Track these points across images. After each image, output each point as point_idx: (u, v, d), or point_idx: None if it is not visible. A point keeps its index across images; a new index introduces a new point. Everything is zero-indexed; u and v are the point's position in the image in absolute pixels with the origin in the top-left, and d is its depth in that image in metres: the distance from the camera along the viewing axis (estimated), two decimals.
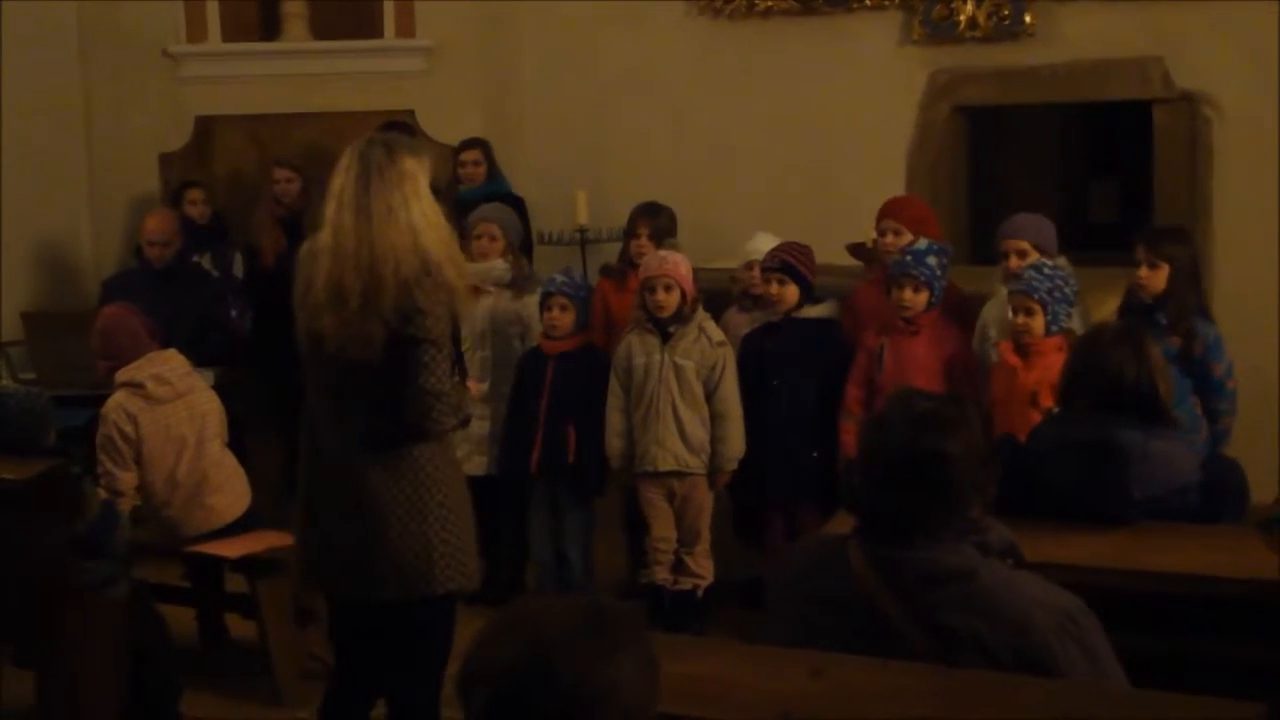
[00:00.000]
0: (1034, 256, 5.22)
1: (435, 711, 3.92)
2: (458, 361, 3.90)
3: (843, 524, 2.98)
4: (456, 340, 3.84)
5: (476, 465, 5.97)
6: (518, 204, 7.07)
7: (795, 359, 5.58)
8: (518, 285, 6.03)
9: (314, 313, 3.73)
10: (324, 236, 3.75)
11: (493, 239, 6.03)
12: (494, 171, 7.39)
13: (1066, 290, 4.94)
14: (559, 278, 5.75)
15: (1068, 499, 3.61)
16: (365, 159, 3.73)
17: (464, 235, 6.16)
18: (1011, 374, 4.89)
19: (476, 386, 4.08)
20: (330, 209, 3.75)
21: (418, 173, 3.76)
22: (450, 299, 3.73)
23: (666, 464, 5.51)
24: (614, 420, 5.63)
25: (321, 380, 3.83)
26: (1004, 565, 2.67)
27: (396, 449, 3.74)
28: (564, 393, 5.68)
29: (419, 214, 3.71)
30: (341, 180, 3.75)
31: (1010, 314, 5.00)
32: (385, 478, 3.74)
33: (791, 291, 5.55)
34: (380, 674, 3.97)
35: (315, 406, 3.88)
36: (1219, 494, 3.74)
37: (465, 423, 3.94)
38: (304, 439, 3.94)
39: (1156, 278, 5.10)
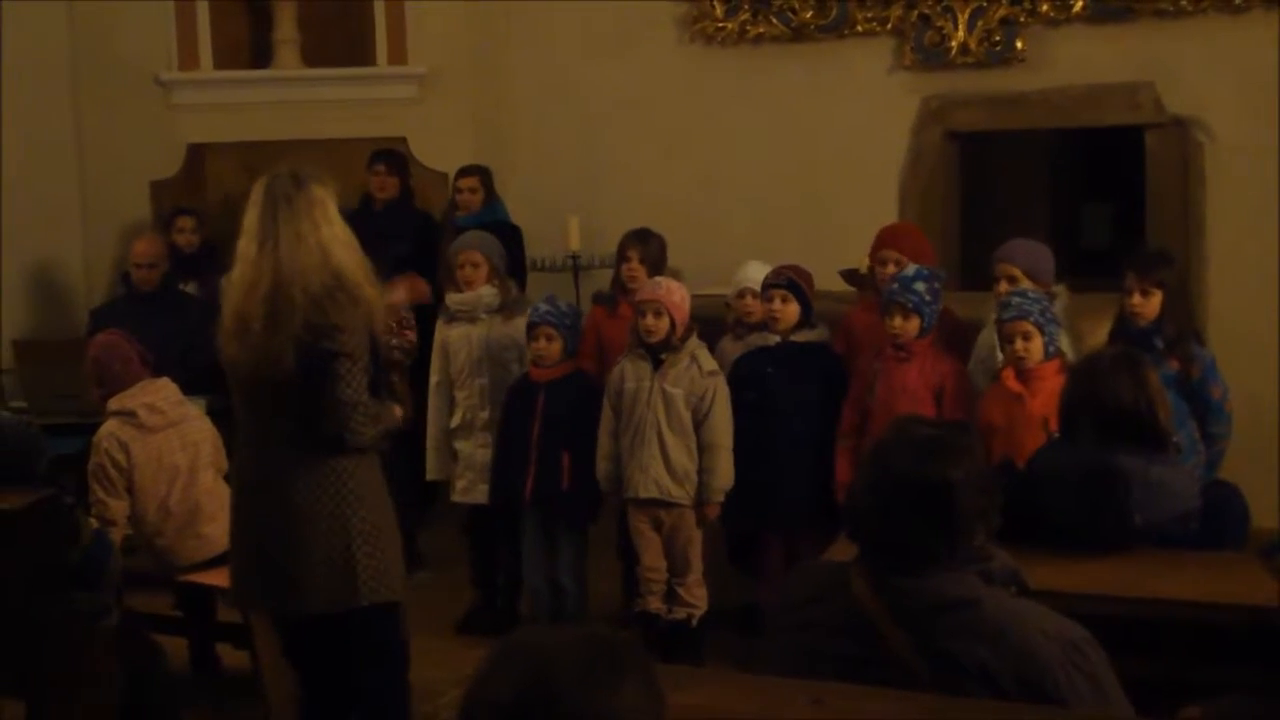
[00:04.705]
0: (1024, 283, 5.22)
1: (404, 715, 4.05)
2: (381, 379, 3.96)
3: (843, 550, 2.96)
4: (377, 357, 3.91)
5: (480, 494, 5.95)
6: (513, 231, 7.07)
7: (791, 384, 5.56)
8: (508, 309, 6.01)
9: (224, 341, 3.90)
10: (235, 270, 3.92)
11: (475, 266, 6.01)
12: (491, 199, 7.38)
13: (1053, 312, 4.95)
14: (542, 307, 5.73)
15: (1069, 526, 3.60)
16: (271, 191, 3.87)
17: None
18: (1016, 401, 4.86)
19: (402, 411, 4.21)
20: (241, 243, 3.90)
21: (326, 199, 3.90)
22: (367, 314, 3.85)
23: (648, 491, 5.47)
24: (604, 443, 5.61)
25: (243, 402, 3.97)
26: (1007, 594, 2.66)
27: (319, 464, 3.85)
28: (556, 420, 5.66)
29: (329, 236, 3.85)
30: (250, 214, 3.90)
31: (1005, 341, 4.96)
32: (308, 493, 3.86)
33: (793, 310, 5.55)
34: (347, 683, 4.07)
35: (241, 429, 4.02)
36: (1220, 520, 3.73)
37: (387, 436, 4.00)
38: (234, 461, 4.07)
39: (1150, 304, 5.10)
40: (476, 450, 5.96)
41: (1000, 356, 5.15)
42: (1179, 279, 5.27)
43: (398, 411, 4.11)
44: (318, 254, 3.79)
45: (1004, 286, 5.24)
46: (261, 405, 3.89)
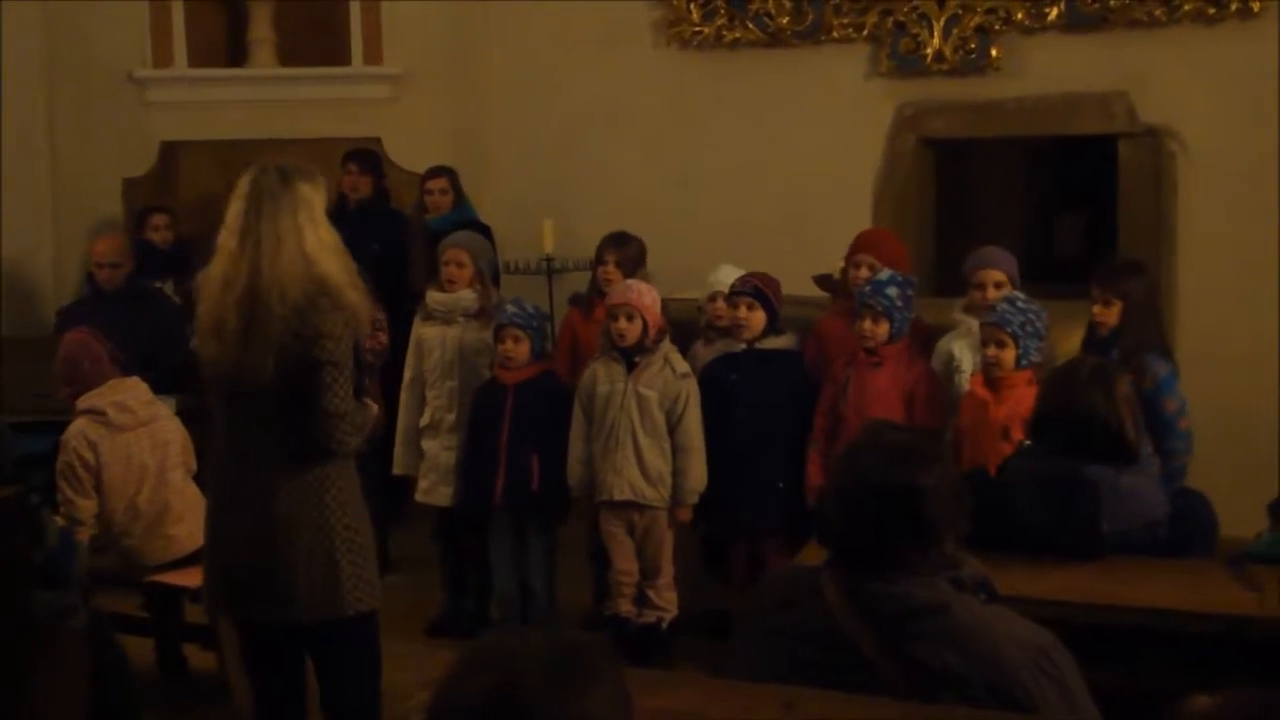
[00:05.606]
0: (1009, 288, 5.25)
1: None
2: (361, 384, 3.90)
3: (814, 555, 2.96)
4: (359, 361, 3.85)
5: (443, 496, 5.93)
6: (485, 232, 7.06)
7: (758, 390, 5.56)
8: (486, 314, 5.96)
9: (202, 340, 3.76)
10: (213, 264, 3.76)
11: (460, 265, 5.97)
12: (461, 200, 7.37)
13: (1038, 325, 4.96)
14: (510, 309, 5.71)
15: (1039, 534, 3.61)
16: (257, 184, 3.72)
17: (434, 263, 6.17)
18: (982, 407, 4.89)
19: (375, 407, 4.14)
20: (221, 236, 3.76)
21: (313, 198, 3.76)
22: (352, 320, 3.73)
23: (622, 493, 5.48)
24: (576, 447, 5.60)
25: (222, 405, 3.84)
26: (977, 600, 2.66)
27: (301, 472, 3.75)
28: (524, 422, 5.65)
29: (313, 240, 3.71)
30: (234, 207, 3.75)
31: (983, 344, 4.99)
32: (290, 501, 3.75)
33: (759, 318, 5.55)
34: (299, 699, 3.99)
35: (219, 431, 3.89)
36: (1188, 528, 3.75)
37: (370, 442, 3.95)
38: (210, 465, 3.96)
39: (1110, 314, 5.14)
40: (441, 452, 5.94)
41: (962, 363, 5.20)
42: (1146, 290, 5.28)
43: (374, 410, 4.03)
44: (300, 261, 3.65)
45: (992, 293, 5.26)
46: (241, 411, 3.78)
